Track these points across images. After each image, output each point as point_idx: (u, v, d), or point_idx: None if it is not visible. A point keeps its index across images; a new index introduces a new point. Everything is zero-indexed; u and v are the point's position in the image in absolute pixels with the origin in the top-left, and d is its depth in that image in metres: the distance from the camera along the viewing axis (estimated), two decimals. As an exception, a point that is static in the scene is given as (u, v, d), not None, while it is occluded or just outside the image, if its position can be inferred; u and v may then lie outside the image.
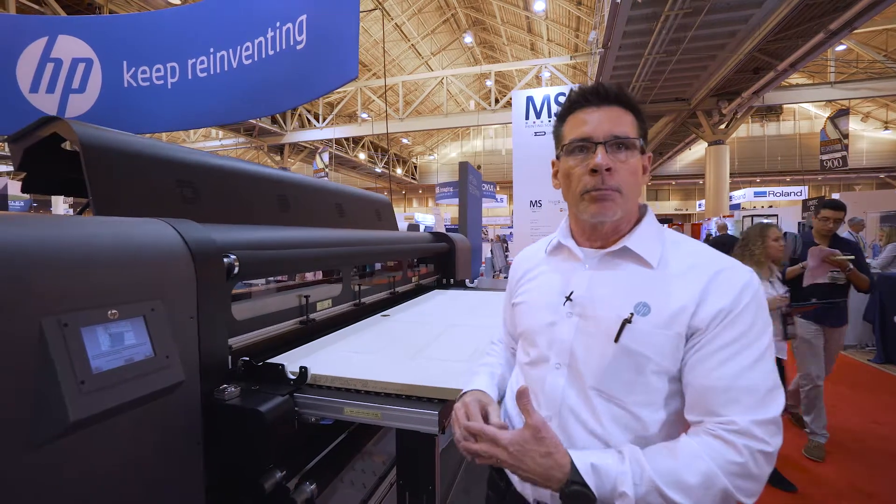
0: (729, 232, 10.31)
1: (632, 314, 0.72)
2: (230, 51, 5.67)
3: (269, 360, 1.12)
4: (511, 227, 18.13)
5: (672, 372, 0.71)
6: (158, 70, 6.06)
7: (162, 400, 0.80)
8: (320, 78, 4.78)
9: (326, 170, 19.10)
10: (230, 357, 1.05)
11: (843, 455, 2.82)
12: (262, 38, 5.48)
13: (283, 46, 5.28)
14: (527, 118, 6.73)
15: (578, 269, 0.82)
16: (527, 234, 6.74)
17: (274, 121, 18.23)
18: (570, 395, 0.76)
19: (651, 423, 0.71)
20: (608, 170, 0.73)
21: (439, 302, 2.32)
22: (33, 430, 0.62)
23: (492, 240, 5.55)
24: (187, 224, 0.97)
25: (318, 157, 19.75)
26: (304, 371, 1.01)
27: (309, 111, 18.26)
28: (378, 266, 3.01)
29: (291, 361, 1.15)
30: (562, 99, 6.98)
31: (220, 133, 19.00)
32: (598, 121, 0.75)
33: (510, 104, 14.67)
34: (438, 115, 16.83)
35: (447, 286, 3.15)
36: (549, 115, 6.68)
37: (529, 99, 6.77)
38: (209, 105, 5.80)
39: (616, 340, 0.71)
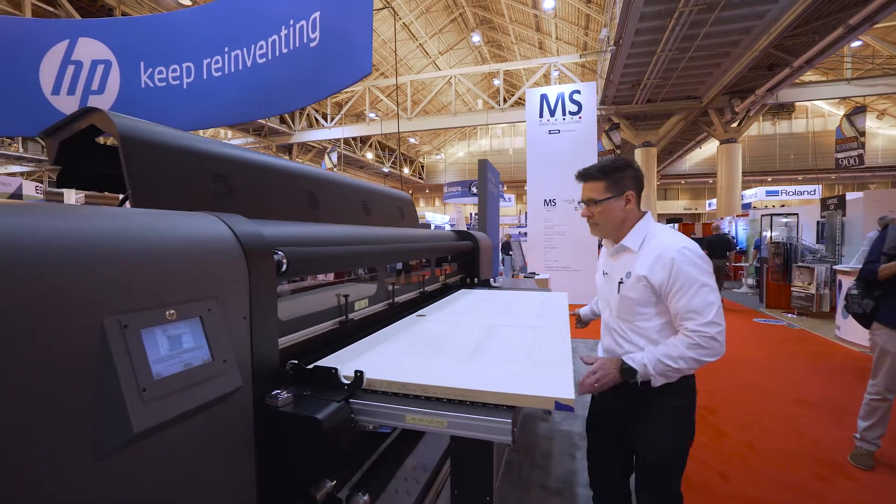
0: (723, 230, 10.95)
1: (622, 279, 1.44)
2: (244, 50, 5.67)
3: (317, 363, 1.07)
4: (520, 226, 18.06)
5: (649, 304, 1.39)
6: (174, 70, 6.08)
7: (218, 407, 0.75)
8: (334, 75, 4.77)
9: (335, 169, 19.12)
10: (279, 360, 0.99)
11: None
12: (275, 37, 5.47)
13: (297, 44, 5.26)
14: (540, 116, 6.66)
15: (607, 256, 1.58)
16: (540, 234, 6.66)
17: (283, 120, 18.27)
18: (610, 320, 1.53)
19: (648, 330, 1.40)
20: (589, 216, 1.50)
21: (470, 301, 2.26)
22: (97, 443, 0.57)
23: (509, 238, 5.47)
24: (236, 219, 0.91)
25: (326, 156, 19.77)
26: (359, 375, 0.95)
27: (317, 111, 18.28)
28: (399, 265, 2.96)
29: (339, 363, 1.10)
30: (577, 97, 6.98)
31: (229, 133, 19.07)
32: (582, 191, 1.50)
33: (519, 103, 14.64)
34: (446, 114, 16.78)
35: (472, 285, 3.09)
36: (564, 114, 6.61)
37: (543, 97, 6.70)
38: (224, 104, 5.81)
39: (618, 292, 1.45)
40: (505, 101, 15.12)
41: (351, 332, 1.44)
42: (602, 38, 11.23)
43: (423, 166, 31.46)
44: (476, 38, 19.38)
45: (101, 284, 0.60)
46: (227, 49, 5.76)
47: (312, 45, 5.10)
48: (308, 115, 18.28)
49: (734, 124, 13.80)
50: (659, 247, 1.35)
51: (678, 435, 1.41)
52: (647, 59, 10.00)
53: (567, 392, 0.90)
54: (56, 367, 0.54)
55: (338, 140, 19.96)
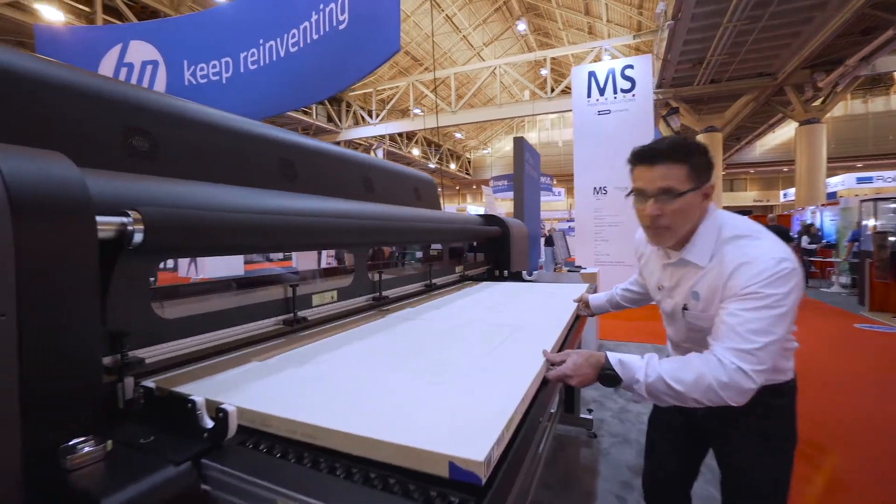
0: (805, 221, 10.15)
1: (686, 304, 1.12)
2: (277, 40, 5.62)
3: (177, 390, 0.75)
4: (570, 220, 17.19)
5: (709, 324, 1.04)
6: (214, 66, 6.13)
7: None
8: (364, 56, 4.64)
9: (380, 166, 19.18)
10: (125, 384, 0.68)
11: None
12: (306, 23, 5.38)
13: (327, 28, 5.16)
14: (588, 95, 6.07)
15: (657, 259, 1.23)
16: (590, 225, 6.08)
17: (330, 119, 18.61)
18: (680, 342, 1.24)
19: None
20: (658, 215, 1.03)
21: (485, 296, 1.88)
22: None
23: (551, 230, 4.99)
24: (20, 154, 0.60)
25: (372, 153, 19.98)
26: (222, 417, 0.61)
27: (363, 108, 18.44)
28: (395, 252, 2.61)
29: (236, 385, 0.77)
30: (629, 72, 6.29)
31: (280, 133, 19.66)
32: (650, 178, 1.03)
33: (567, 91, 13.79)
34: (492, 106, 16.27)
35: (500, 278, 2.70)
36: (615, 91, 5.97)
37: (591, 74, 6.09)
38: (261, 96, 5.79)
39: (683, 316, 1.14)
40: (552, 90, 14.37)
41: (301, 334, 1.12)
42: (658, 12, 10.25)
43: (469, 162, 31.10)
44: (521, 26, 18.67)
45: None
46: (261, 41, 5.72)
47: (341, 27, 4.97)
48: (354, 112, 18.49)
49: (816, 102, 12.19)
50: (739, 259, 0.96)
51: (781, 462, 1.12)
52: (711, 32, 8.97)
53: (476, 450, 0.54)
54: None
55: (383, 136, 20.06)
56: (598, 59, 13.05)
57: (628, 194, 1.08)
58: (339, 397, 0.75)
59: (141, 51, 6.70)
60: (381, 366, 0.92)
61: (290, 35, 5.44)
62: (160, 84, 6.39)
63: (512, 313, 1.47)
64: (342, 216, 1.26)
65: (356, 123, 18.49)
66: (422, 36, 17.22)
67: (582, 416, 2.70)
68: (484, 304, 1.67)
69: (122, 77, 6.35)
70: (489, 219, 2.88)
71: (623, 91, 5.96)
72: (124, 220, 0.69)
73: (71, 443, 0.57)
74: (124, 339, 0.75)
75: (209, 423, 0.62)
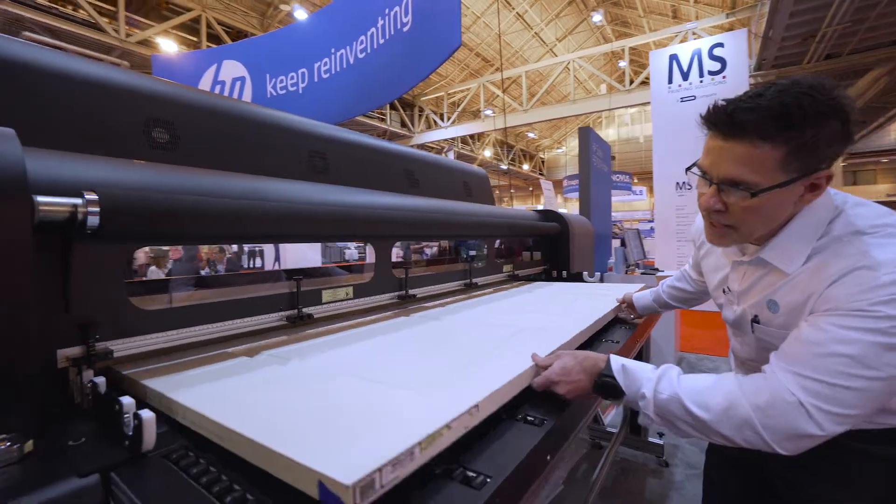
0: None
1: (756, 315, 0.83)
2: (347, 48, 5.85)
3: (147, 383, 0.67)
4: (651, 220, 15.87)
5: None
6: (292, 78, 6.52)
7: None
8: (428, 54, 4.71)
9: (451, 169, 19.35)
10: (83, 376, 0.62)
11: None
12: (373, 29, 5.54)
13: (392, 32, 5.29)
14: (670, 82, 5.47)
15: (732, 264, 0.90)
16: (671, 224, 5.47)
17: (403, 124, 19.18)
18: (744, 357, 0.95)
19: None
20: (720, 210, 0.74)
21: (527, 297, 1.68)
22: None
23: (622, 229, 4.52)
24: None
25: (443, 155, 20.20)
26: (137, 425, 0.52)
27: (435, 112, 18.75)
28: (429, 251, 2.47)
29: (203, 382, 0.68)
30: (718, 52, 5.56)
31: (357, 140, 20.67)
32: (719, 157, 0.72)
33: (647, 82, 12.70)
34: (566, 102, 15.60)
35: (558, 279, 2.47)
36: (701, 74, 5.30)
37: (673, 58, 5.49)
38: (333, 103, 6.06)
39: (752, 331, 0.86)
40: (631, 81, 13.39)
41: (308, 331, 1.02)
42: (760, -16, 9.03)
43: (543, 161, 30.26)
44: (597, 17, 17.70)
45: None
46: (332, 50, 5.98)
47: (405, 29, 5.08)
48: (426, 117, 18.87)
49: (976, 73, 9.94)
50: (854, 262, 0.67)
51: None
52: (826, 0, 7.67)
53: (351, 470, 0.42)
54: None
55: (454, 139, 20.20)
56: (683, 42, 11.90)
57: (690, 168, 0.78)
58: (275, 397, 0.66)
59: (231, 69, 7.34)
60: (343, 366, 0.81)
61: (359, 42, 5.63)
62: (247, 97, 6.97)
63: (540, 315, 1.28)
64: (351, 206, 1.16)
65: (428, 127, 18.84)
66: (492, 36, 17.06)
67: (651, 439, 2.35)
68: (518, 304, 1.49)
69: (215, 92, 7.03)
70: (547, 214, 2.65)
71: (711, 73, 5.28)
72: (75, 201, 0.64)
73: (-12, 440, 0.52)
74: (91, 330, 0.71)
75: (131, 431, 0.54)
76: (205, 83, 7.20)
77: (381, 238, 1.31)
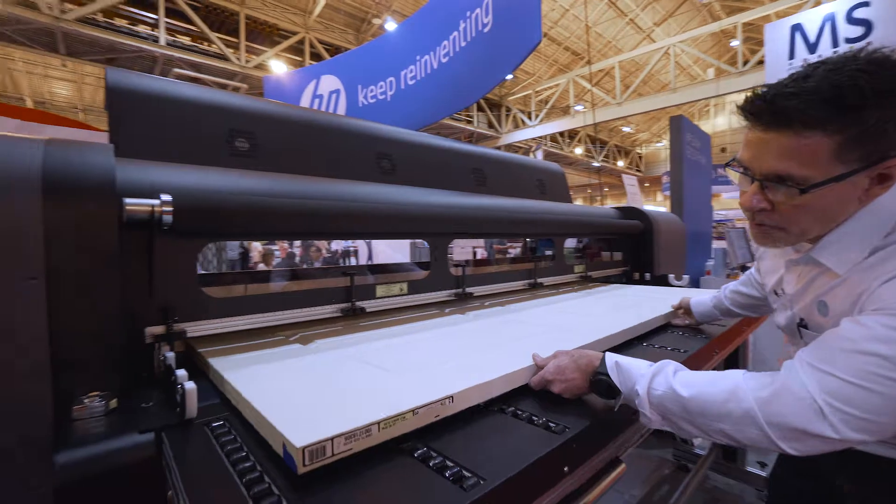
0: None
1: (802, 318, 0.75)
2: (431, 53, 6.04)
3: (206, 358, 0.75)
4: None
5: None
6: (381, 87, 6.90)
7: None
8: (508, 53, 4.75)
9: (538, 168, 18.90)
10: (160, 351, 0.72)
11: None
12: (455, 33, 5.66)
13: (473, 34, 5.37)
14: (791, 57, 4.71)
15: (786, 263, 0.80)
16: (791, 223, 4.70)
17: (490, 125, 19.22)
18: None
19: None
20: (764, 209, 0.67)
21: (591, 299, 1.58)
22: None
23: (728, 229, 3.98)
24: (66, 147, 0.67)
25: (531, 154, 19.85)
26: (181, 394, 0.61)
27: (522, 111, 18.51)
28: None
29: (251, 363, 0.75)
30: (861, 12, 4.62)
31: (445, 143, 21.17)
32: (760, 150, 0.64)
33: (763, 63, 11.00)
34: (665, 92, 14.33)
35: (640, 282, 2.29)
36: (836, 44, 4.48)
37: (796, 28, 4.72)
38: (419, 108, 6.30)
39: (800, 336, 0.76)
40: (745, 62, 11.84)
41: (362, 323, 1.08)
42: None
43: (640, 157, 28.18)
44: (706, -7, 15.94)
45: None
46: (418, 57, 6.21)
47: (486, 30, 5.13)
48: (514, 116, 18.71)
49: None
50: None
51: None
52: None
53: (303, 438, 0.47)
54: None
55: (542, 138, 19.71)
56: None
57: (729, 163, 0.71)
58: (292, 376, 0.74)
59: (328, 83, 7.98)
60: (365, 354, 0.87)
61: (442, 47, 5.79)
62: (341, 108, 7.54)
63: (587, 317, 1.21)
64: (401, 204, 1.20)
65: (516, 127, 18.63)
66: (582, 28, 16.30)
67: (749, 469, 2.05)
68: (573, 306, 1.42)
69: (314, 106, 7.72)
70: (628, 212, 2.46)
71: (849, 41, 4.44)
72: (153, 202, 0.75)
73: (85, 396, 0.64)
74: (170, 313, 0.83)
75: (179, 399, 0.62)
76: (306, 97, 7.94)
77: (435, 235, 1.33)
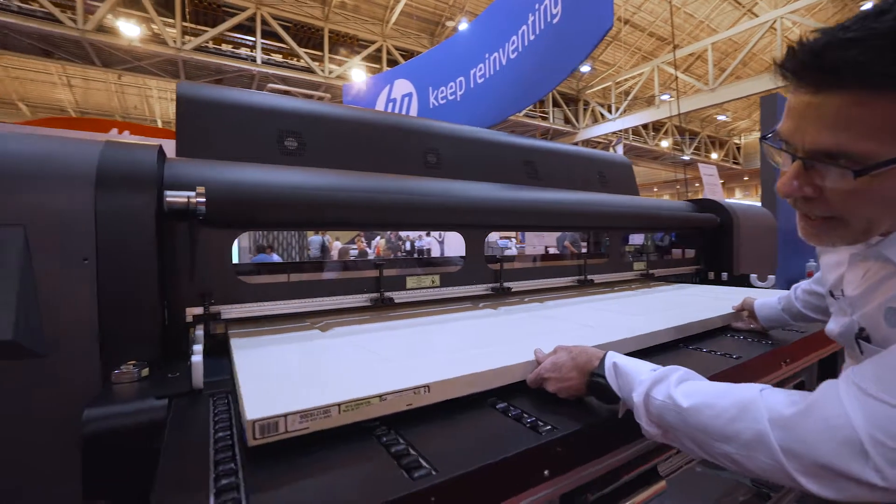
0: None
1: (863, 328, 0.58)
2: (500, 50, 6.00)
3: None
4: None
5: None
6: (451, 87, 6.98)
7: (11, 365, 0.61)
8: (578, 42, 4.60)
9: (619, 164, 17.89)
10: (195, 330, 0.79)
11: None
12: (524, 27, 5.59)
13: (542, 26, 5.25)
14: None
15: (850, 257, 0.63)
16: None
17: (567, 120, 18.56)
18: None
19: None
20: (809, 196, 0.53)
21: (644, 298, 1.45)
22: None
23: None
24: (118, 147, 0.76)
25: (611, 149, 18.82)
26: (188, 367, 0.66)
27: (602, 104, 17.63)
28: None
29: (264, 345, 0.80)
30: None
31: (519, 142, 20.86)
32: (804, 118, 0.50)
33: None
34: (768, 74, 12.71)
35: (716, 282, 2.07)
36: None
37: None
38: (488, 106, 6.30)
39: (858, 349, 0.60)
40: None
41: (386, 313, 1.09)
42: None
43: (738, 148, 25.33)
44: (825, -45, 13.84)
45: None
46: (486, 54, 6.21)
47: (555, 21, 5.00)
48: (592, 110, 17.90)
49: None
50: None
51: None
52: None
53: (257, 412, 0.50)
54: None
55: (624, 131, 18.58)
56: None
57: (766, 136, 0.56)
58: (292, 357, 0.78)
59: (401, 87, 8.24)
60: (369, 341, 0.89)
61: (511, 43, 5.72)
62: (413, 110, 7.76)
63: (629, 316, 1.09)
64: (430, 195, 1.19)
65: (595, 121, 17.80)
66: (669, 11, 15.05)
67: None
68: (619, 305, 1.30)
69: (388, 110, 8.02)
70: (704, 205, 2.22)
71: None
72: (189, 193, 0.83)
73: (123, 364, 0.73)
74: (207, 296, 0.91)
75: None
76: (380, 102, 8.29)
77: (468, 227, 1.31)
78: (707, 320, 1.07)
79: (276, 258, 8.13)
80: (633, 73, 15.98)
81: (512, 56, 5.49)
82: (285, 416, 0.48)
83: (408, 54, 13.34)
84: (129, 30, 9.56)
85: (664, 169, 23.66)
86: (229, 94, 1.27)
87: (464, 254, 1.38)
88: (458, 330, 0.98)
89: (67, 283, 0.71)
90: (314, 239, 10.51)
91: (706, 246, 2.17)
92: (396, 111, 7.88)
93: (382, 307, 1.15)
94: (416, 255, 9.68)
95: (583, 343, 0.75)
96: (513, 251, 13.84)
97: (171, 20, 10.13)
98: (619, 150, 18.50)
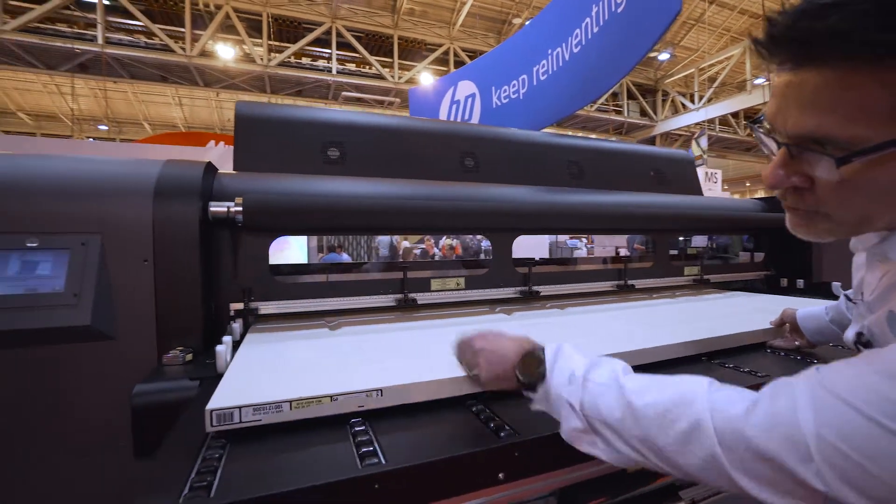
0: None
1: (862, 335, 0.55)
2: (563, 45, 5.88)
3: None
4: None
5: None
6: (514, 86, 6.95)
7: (89, 346, 0.75)
8: (645, 30, 4.44)
9: (704, 156, 16.45)
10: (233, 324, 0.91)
11: None
12: (587, 19, 5.42)
13: (606, 17, 5.08)
14: None
15: (867, 257, 0.57)
16: None
17: (643, 113, 17.48)
18: None
19: None
20: (801, 187, 0.48)
21: (686, 306, 1.36)
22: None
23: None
24: (173, 164, 0.89)
25: (693, 142, 17.35)
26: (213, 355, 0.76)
27: (683, 94, 16.36)
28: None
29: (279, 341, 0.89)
30: None
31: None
32: (785, 99, 0.45)
33: None
34: None
35: (789, 291, 1.88)
36: None
37: None
38: (551, 103, 6.20)
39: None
40: None
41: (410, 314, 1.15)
42: None
43: (855, 134, 22.07)
44: None
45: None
46: (549, 51, 6.10)
47: (619, 10, 4.81)
48: (672, 100, 16.69)
49: None
50: None
51: None
52: None
53: (217, 403, 0.58)
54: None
55: (710, 121, 17.05)
56: None
57: (752, 123, 0.52)
58: (289, 353, 0.84)
59: (465, 88, 8.31)
60: (369, 342, 0.92)
61: (574, 36, 5.57)
62: (476, 111, 7.79)
63: (651, 328, 1.03)
64: (453, 200, 1.23)
65: (675, 112, 16.56)
66: (767, -17, 13.53)
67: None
68: (650, 313, 1.23)
69: (453, 112, 8.14)
70: (778, 204, 2.01)
71: None
72: (229, 204, 0.95)
73: (172, 349, 0.86)
74: (247, 293, 1.04)
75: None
76: (444, 105, 8.41)
77: (494, 231, 1.33)
78: (736, 335, 0.98)
79: (345, 257, 8.60)
80: (719, 56, 14.60)
81: (575, 50, 5.31)
82: (240, 408, 0.55)
83: (474, 55, 13.40)
84: (225, 52, 10.73)
85: (759, 161, 21.32)
86: (278, 110, 1.41)
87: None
88: (450, 334, 1.01)
89: (132, 280, 0.86)
90: (382, 239, 10.97)
91: (778, 249, 1.96)
92: (460, 113, 7.96)
93: (406, 308, 1.21)
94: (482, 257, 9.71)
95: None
96: (583, 252, 13.30)
97: (258, 40, 11.18)
98: (703, 142, 16.99)
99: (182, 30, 10.34)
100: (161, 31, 9.99)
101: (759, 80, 14.71)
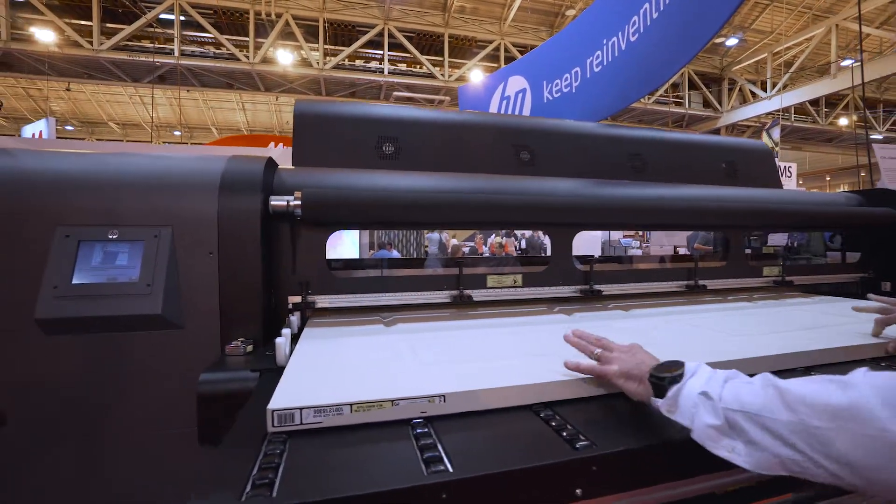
0: None
1: None
2: (619, 34, 5.64)
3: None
4: None
5: None
6: (566, 79, 6.75)
7: (158, 333, 0.78)
8: (709, 13, 4.07)
9: (777, 149, 15.14)
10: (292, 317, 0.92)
11: None
12: (646, 4, 5.15)
13: (667, 1, 4.76)
14: None
15: None
16: None
17: (707, 104, 16.38)
18: None
19: None
20: None
21: (757, 310, 1.22)
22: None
23: None
24: (237, 160, 0.91)
25: (764, 133, 16.02)
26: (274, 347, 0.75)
27: (753, 81, 15.16)
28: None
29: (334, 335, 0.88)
30: None
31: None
32: None
33: None
34: None
35: (893, 293, 1.67)
36: None
37: None
38: (606, 95, 5.98)
39: None
40: None
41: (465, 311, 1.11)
42: None
43: (964, 119, 19.35)
44: None
45: (59, 204, 0.76)
46: (604, 41, 5.86)
47: None
48: (740, 88, 15.52)
49: None
50: None
51: None
52: None
53: (279, 403, 0.57)
54: (23, 255, 0.75)
55: (783, 110, 15.64)
56: None
57: None
58: (341, 350, 0.82)
59: (515, 83, 8.17)
60: (425, 343, 0.89)
61: (631, 24, 5.32)
62: (527, 106, 7.63)
63: (719, 335, 0.91)
64: (504, 194, 1.17)
65: (743, 102, 15.37)
66: (856, -46, 12.14)
67: None
68: (722, 318, 1.11)
69: (503, 107, 8.03)
70: (876, 197, 1.78)
71: None
72: (289, 198, 0.96)
73: (234, 340, 0.88)
74: (305, 286, 1.05)
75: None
76: (494, 101, 8.31)
77: (555, 226, 1.26)
78: (825, 351, 0.84)
79: (395, 254, 8.74)
80: (798, 38, 13.36)
81: (633, 38, 5.04)
82: (300, 409, 0.53)
83: (525, 50, 13.15)
84: (284, 58, 11.28)
85: (841, 152, 19.27)
86: (335, 107, 1.43)
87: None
88: (509, 335, 0.96)
89: (198, 272, 0.89)
90: (432, 236, 11.05)
91: (880, 248, 1.72)
92: (510, 109, 7.82)
93: (461, 305, 1.17)
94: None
95: None
96: (637, 251, 12.66)
97: (315, 44, 11.64)
98: (776, 134, 15.64)
99: (246, 39, 11.02)
100: (228, 42, 10.71)
101: (847, 62, 13.29)
